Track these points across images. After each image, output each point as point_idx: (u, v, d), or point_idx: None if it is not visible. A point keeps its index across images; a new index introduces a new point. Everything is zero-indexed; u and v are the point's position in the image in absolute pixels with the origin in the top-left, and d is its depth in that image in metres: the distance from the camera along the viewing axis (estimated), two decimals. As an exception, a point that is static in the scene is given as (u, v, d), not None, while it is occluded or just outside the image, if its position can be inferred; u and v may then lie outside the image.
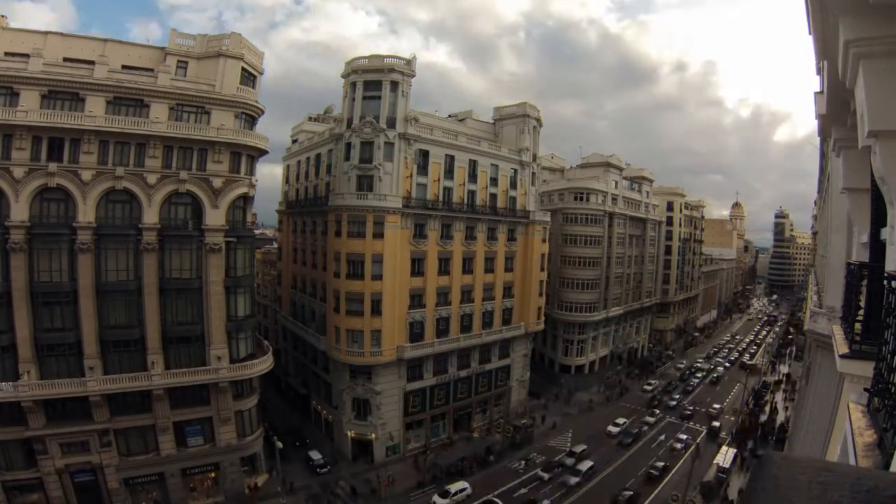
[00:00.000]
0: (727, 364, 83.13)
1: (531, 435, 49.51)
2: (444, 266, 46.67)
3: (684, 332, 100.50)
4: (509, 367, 54.43)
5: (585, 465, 41.71)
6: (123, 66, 32.72)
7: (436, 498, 36.60)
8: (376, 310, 41.66)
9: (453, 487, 37.30)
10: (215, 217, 34.04)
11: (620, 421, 53.38)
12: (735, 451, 45.12)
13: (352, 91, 42.36)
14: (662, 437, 51.25)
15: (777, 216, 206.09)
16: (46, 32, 32.20)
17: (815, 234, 56.44)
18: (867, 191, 6.88)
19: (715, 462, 42.95)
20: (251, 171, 36.73)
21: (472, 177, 48.46)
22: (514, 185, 52.94)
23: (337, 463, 42.32)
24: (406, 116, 42.36)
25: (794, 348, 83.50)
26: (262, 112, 36.92)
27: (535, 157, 55.20)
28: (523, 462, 44.46)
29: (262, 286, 62.61)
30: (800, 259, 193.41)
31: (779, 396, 64.35)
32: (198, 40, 35.31)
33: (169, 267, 33.29)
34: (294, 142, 60.57)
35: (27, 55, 29.58)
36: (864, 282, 5.66)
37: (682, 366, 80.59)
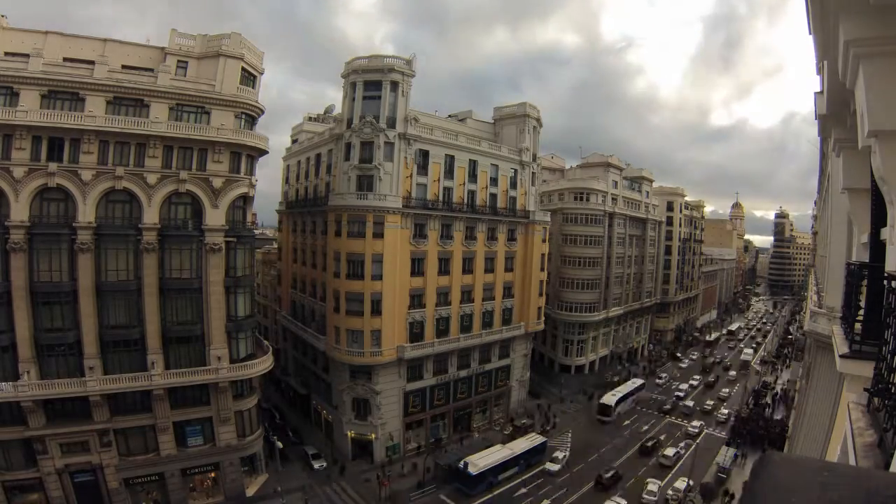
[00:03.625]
0: (727, 363, 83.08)
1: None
2: (444, 266, 46.65)
3: (684, 331, 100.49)
4: (509, 367, 54.44)
5: None
6: (123, 66, 32.69)
7: None
8: (376, 310, 41.65)
9: None
10: (215, 217, 34.05)
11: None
12: (735, 451, 45.13)
13: (352, 91, 42.35)
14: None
15: (777, 216, 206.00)
16: (46, 32, 32.13)
17: (815, 234, 56.46)
18: (867, 191, 6.88)
19: (715, 462, 42.93)
20: (251, 171, 36.73)
21: (472, 177, 48.46)
22: (514, 185, 52.93)
23: (336, 463, 42.30)
24: (406, 116, 42.35)
25: (792, 349, 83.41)
26: (262, 112, 36.89)
27: (535, 157, 55.21)
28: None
29: (262, 286, 62.52)
30: (800, 259, 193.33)
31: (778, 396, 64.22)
32: (198, 40, 35.26)
33: (169, 267, 33.27)
34: (294, 142, 60.58)
35: (27, 55, 29.56)
36: (864, 282, 5.66)
37: (683, 365, 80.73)
